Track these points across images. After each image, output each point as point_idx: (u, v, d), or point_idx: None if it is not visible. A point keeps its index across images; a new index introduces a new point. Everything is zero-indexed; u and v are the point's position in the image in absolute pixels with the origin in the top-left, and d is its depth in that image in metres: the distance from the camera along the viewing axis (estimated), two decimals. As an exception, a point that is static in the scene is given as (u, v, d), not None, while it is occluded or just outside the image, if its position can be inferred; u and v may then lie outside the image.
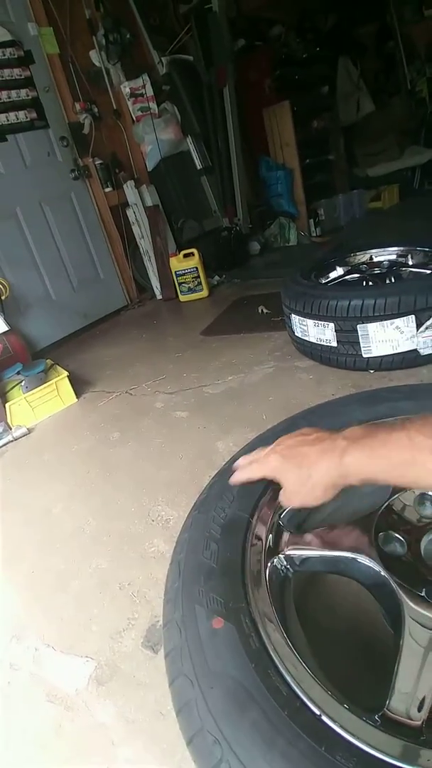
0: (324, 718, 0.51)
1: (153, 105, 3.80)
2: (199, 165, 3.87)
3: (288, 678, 0.54)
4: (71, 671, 0.99)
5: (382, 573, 0.66)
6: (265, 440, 0.98)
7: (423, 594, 0.63)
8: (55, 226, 3.35)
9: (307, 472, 0.69)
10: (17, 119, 3.18)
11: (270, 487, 0.84)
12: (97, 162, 3.57)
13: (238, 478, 0.82)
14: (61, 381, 2.26)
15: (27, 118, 3.22)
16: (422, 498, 0.78)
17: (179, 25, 4.18)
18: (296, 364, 2.04)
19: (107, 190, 3.62)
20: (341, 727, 0.50)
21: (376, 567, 0.67)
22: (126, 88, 3.79)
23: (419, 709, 0.54)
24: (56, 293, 3.35)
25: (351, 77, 5.72)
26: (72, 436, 2.00)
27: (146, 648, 0.99)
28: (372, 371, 1.83)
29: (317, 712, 0.51)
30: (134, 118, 3.83)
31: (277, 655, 0.57)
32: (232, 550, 0.71)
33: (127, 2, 3.85)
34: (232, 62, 3.89)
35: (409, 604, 0.61)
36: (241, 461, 0.85)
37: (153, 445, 1.74)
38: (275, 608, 0.65)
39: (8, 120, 3.13)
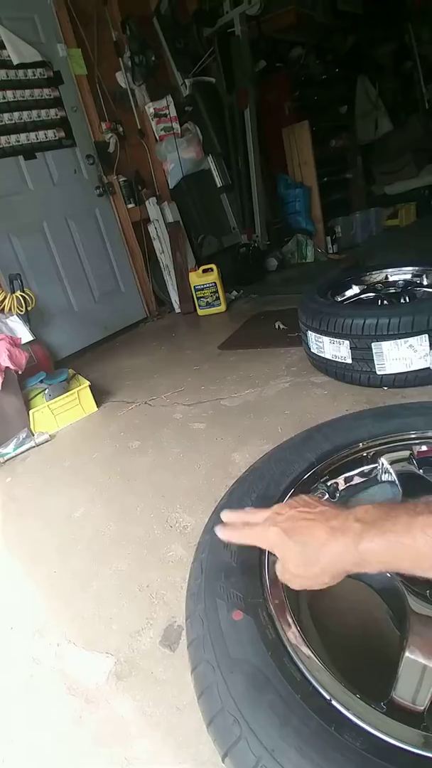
0: (334, 702, 0.56)
1: (176, 125, 3.93)
2: (219, 183, 3.98)
3: (301, 666, 0.59)
4: (91, 666, 1.04)
5: (389, 575, 0.71)
6: (282, 451, 1.04)
7: (427, 594, 0.67)
8: (79, 240, 3.47)
9: (315, 555, 0.61)
10: (46, 138, 3.31)
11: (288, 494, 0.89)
12: (121, 179, 3.69)
13: (228, 537, 0.72)
14: (82, 390, 2.34)
15: (55, 136, 3.36)
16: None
17: (203, 48, 4.32)
18: (312, 380, 2.09)
19: (130, 206, 3.73)
20: (350, 710, 0.55)
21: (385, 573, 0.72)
22: (150, 109, 3.92)
23: (422, 698, 0.59)
24: (78, 305, 3.46)
25: (369, 97, 5.83)
26: (92, 444, 2.07)
27: (164, 646, 1.04)
28: (386, 388, 1.88)
29: (328, 696, 0.57)
30: (157, 138, 3.96)
31: (291, 645, 0.62)
32: (250, 551, 0.76)
33: (153, 26, 3.99)
34: (253, 84, 4.01)
35: (414, 603, 0.66)
36: (226, 514, 0.75)
37: (171, 454, 1.80)
38: (290, 605, 0.71)
39: (38, 138, 3.27)
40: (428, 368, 1.82)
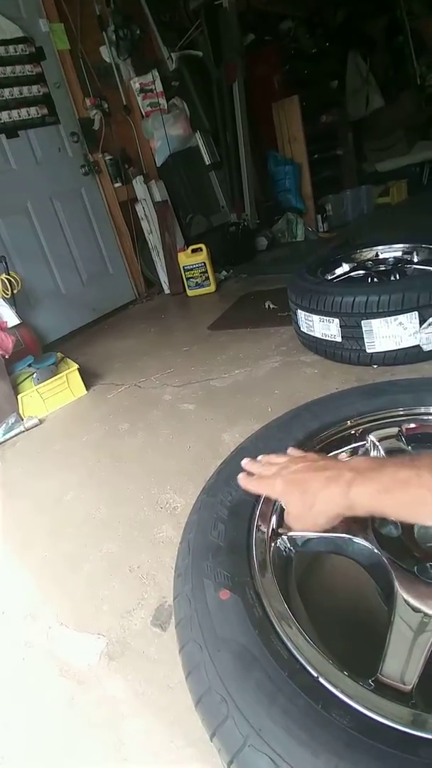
0: (321, 680, 0.56)
1: (162, 101, 3.83)
2: (207, 160, 3.90)
3: (288, 644, 0.59)
4: (84, 648, 1.04)
5: (377, 552, 0.70)
6: (270, 430, 1.03)
7: (414, 571, 0.67)
8: (65, 220, 3.40)
9: (311, 500, 0.70)
10: (29, 115, 3.22)
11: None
12: (107, 157, 3.61)
13: (246, 485, 0.82)
14: (71, 373, 2.32)
15: (38, 114, 3.26)
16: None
17: (189, 21, 4.20)
18: (301, 359, 2.08)
19: (116, 185, 3.66)
20: (337, 688, 0.55)
21: (372, 547, 0.72)
22: (136, 84, 3.82)
23: (410, 676, 0.59)
24: (66, 287, 3.41)
25: (360, 72, 5.72)
26: (82, 427, 2.05)
27: (155, 626, 1.04)
28: (375, 366, 1.87)
29: (315, 674, 0.56)
30: (144, 114, 3.87)
31: (278, 623, 0.62)
32: (238, 530, 0.76)
33: (137, -1, 3.87)
34: (241, 58, 3.91)
35: (401, 580, 0.66)
36: (246, 464, 0.86)
37: (161, 436, 1.79)
38: (278, 583, 0.70)
39: (20, 116, 3.18)
40: (418, 346, 1.81)
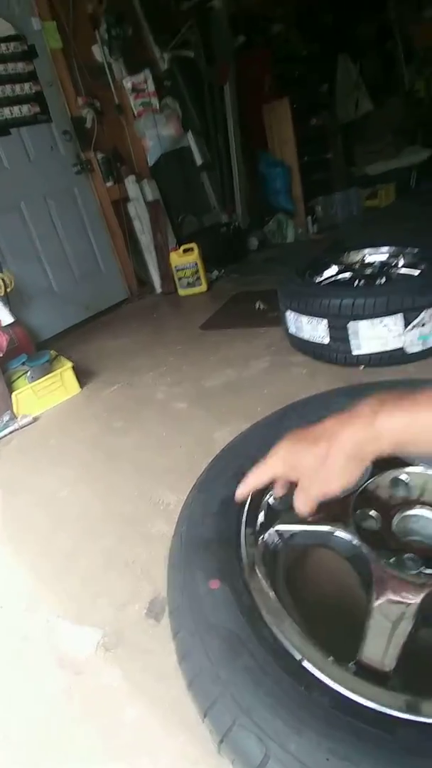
0: (305, 663, 0.61)
1: (154, 100, 3.85)
2: (199, 161, 3.94)
3: (274, 629, 0.64)
4: (80, 640, 1.08)
5: (358, 543, 0.76)
6: (258, 429, 1.08)
7: (392, 561, 0.73)
8: (57, 219, 3.42)
9: (326, 448, 0.59)
10: (21, 113, 3.23)
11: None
12: (99, 156, 3.63)
13: (244, 488, 0.73)
14: (65, 371, 2.35)
15: (30, 112, 3.27)
16: (395, 480, 0.89)
17: (181, 21, 4.22)
18: (291, 359, 2.13)
19: (109, 184, 3.68)
20: (319, 671, 0.60)
21: (353, 539, 0.77)
22: (128, 83, 3.83)
23: (388, 659, 0.64)
24: (59, 286, 3.43)
25: (350, 76, 5.77)
26: (76, 425, 2.09)
27: (149, 617, 1.08)
28: (362, 367, 1.93)
29: (299, 657, 0.61)
30: (136, 113, 3.88)
31: (266, 610, 0.67)
32: (228, 524, 0.81)
33: (130, -3, 3.88)
34: (232, 59, 3.94)
35: (381, 572, 0.71)
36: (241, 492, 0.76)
37: (154, 434, 1.83)
38: (265, 574, 0.75)
39: (12, 114, 3.19)
40: (402, 348, 1.88)
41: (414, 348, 1.87)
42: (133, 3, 3.90)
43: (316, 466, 0.61)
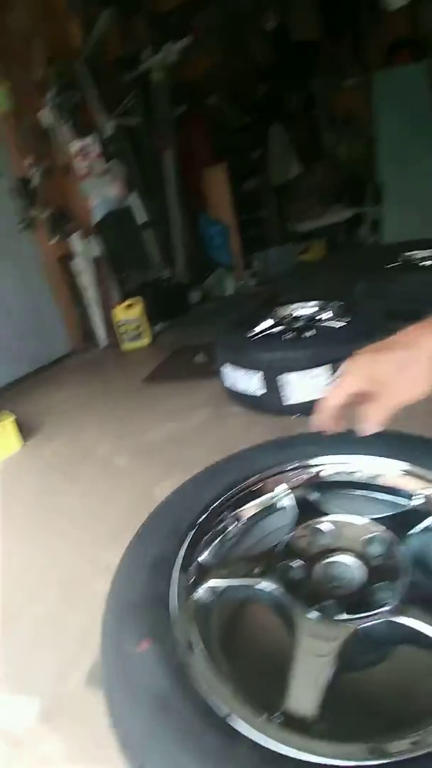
0: (230, 718, 0.64)
1: (99, 163, 4.02)
2: (142, 219, 4.11)
3: (203, 686, 0.67)
4: (19, 711, 1.05)
5: (283, 595, 0.81)
6: (189, 484, 1.13)
7: (315, 610, 0.78)
8: (1, 275, 3.44)
9: (407, 354, 0.57)
10: (-34, 173, 3.30)
11: (197, 526, 0.98)
12: (45, 214, 3.72)
13: (320, 416, 0.70)
14: (6, 426, 2.31)
15: (-24, 171, 3.35)
16: (315, 530, 0.96)
17: (126, 91, 4.49)
18: (229, 410, 2.21)
19: (54, 241, 3.76)
20: (245, 724, 0.63)
21: (277, 590, 0.82)
22: (74, 146, 3.99)
23: (312, 707, 0.68)
24: (1, 340, 3.41)
25: (281, 142, 6.27)
26: (16, 484, 2.05)
27: (89, 684, 1.07)
28: (295, 416, 2.03)
29: (225, 712, 0.65)
30: (81, 174, 4.03)
31: (194, 668, 0.70)
32: (159, 583, 0.84)
33: (77, 66, 4.11)
34: (172, 128, 4.22)
35: (302, 620, 0.77)
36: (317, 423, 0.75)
37: (95, 490, 1.83)
38: (196, 632, 0.79)
39: (-43, 173, 3.25)
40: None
41: (343, 397, 2.01)
42: (81, 71, 4.13)
43: (397, 372, 0.59)
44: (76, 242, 3.75)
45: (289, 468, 1.11)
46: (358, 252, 5.50)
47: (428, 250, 3.49)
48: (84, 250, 3.75)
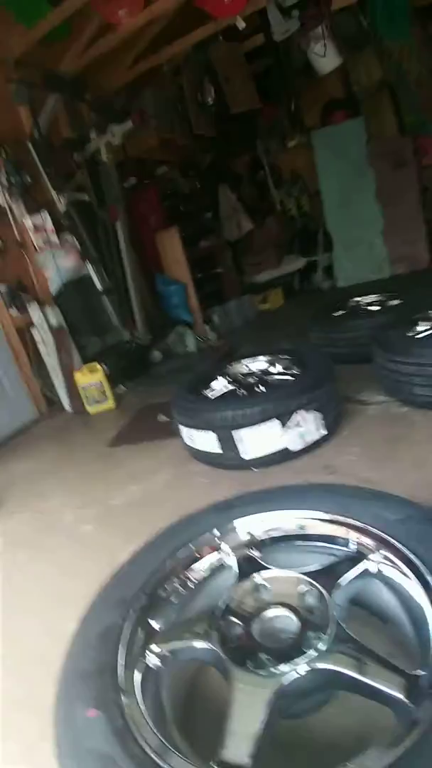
0: (166, 768, 0.70)
1: (53, 236, 4.22)
2: (99, 287, 4.29)
3: (142, 744, 0.74)
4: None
5: (220, 653, 0.88)
6: (144, 550, 1.20)
7: (248, 665, 0.85)
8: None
9: None
10: None
11: (145, 593, 1.05)
12: (2, 288, 3.85)
13: None
14: (-31, 506, 2.34)
15: None
16: (257, 587, 1.04)
17: (75, 168, 4.77)
18: (191, 469, 2.29)
19: (13, 312, 3.88)
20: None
21: (216, 650, 0.89)
22: (28, 222, 4.19)
23: (245, 755, 0.75)
24: (-37, 415, 3.45)
25: (230, 202, 6.66)
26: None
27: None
28: (255, 469, 2.12)
29: (164, 766, 0.71)
30: (37, 248, 4.22)
31: (137, 730, 0.76)
32: (106, 652, 0.90)
33: (27, 148, 4.37)
34: (120, 201, 4.49)
35: (236, 674, 0.84)
36: None
37: (60, 562, 1.87)
38: (144, 695, 0.85)
39: None
40: (286, 448, 2.11)
41: (296, 446, 2.11)
42: (31, 153, 4.39)
43: None
44: (35, 313, 3.87)
45: (229, 529, 1.20)
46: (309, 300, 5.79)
47: (373, 295, 3.73)
48: (43, 320, 3.87)
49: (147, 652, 0.93)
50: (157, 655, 0.94)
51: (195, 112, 5.41)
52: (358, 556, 1.07)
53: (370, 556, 1.04)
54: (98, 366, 3.66)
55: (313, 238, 6.74)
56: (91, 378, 3.62)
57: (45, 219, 4.22)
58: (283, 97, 6.87)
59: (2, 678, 1.37)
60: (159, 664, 0.94)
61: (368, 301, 3.69)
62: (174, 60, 5.10)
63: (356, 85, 6.06)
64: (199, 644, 0.91)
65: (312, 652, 0.84)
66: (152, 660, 0.93)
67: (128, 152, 5.39)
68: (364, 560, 1.04)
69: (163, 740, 0.77)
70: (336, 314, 3.46)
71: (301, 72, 5.66)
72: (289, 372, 2.52)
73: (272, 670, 0.83)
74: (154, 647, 0.93)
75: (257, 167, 7.62)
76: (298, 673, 0.82)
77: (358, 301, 3.72)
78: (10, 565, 1.96)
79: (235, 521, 1.21)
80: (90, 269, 4.28)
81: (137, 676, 0.88)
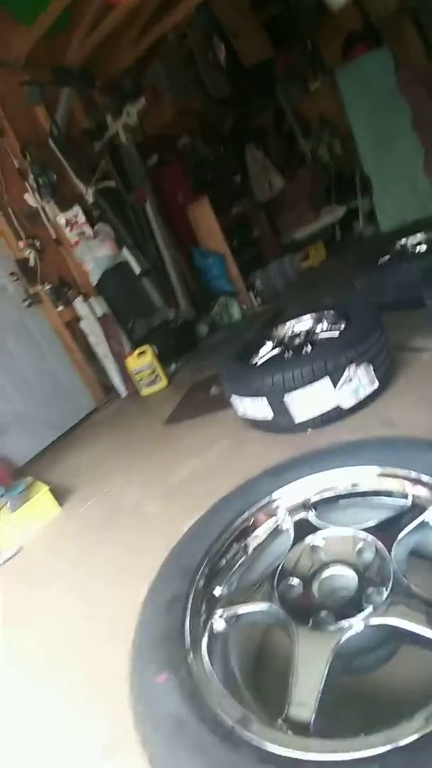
0: (236, 727, 0.73)
1: (87, 228, 4.28)
2: (137, 270, 4.32)
3: (212, 704, 0.76)
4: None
5: (282, 614, 0.89)
6: (203, 519, 1.23)
7: (309, 623, 0.86)
8: (16, 350, 3.68)
9: None
10: (-31, 267, 3.59)
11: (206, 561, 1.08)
12: (47, 287, 3.97)
13: None
14: (43, 495, 2.47)
15: (-23, 265, 3.64)
16: (315, 547, 1.03)
17: (98, 157, 4.79)
18: (247, 437, 2.30)
19: (59, 309, 4.00)
20: (248, 732, 0.72)
21: (279, 610, 0.90)
22: (62, 219, 4.28)
23: (309, 711, 0.76)
24: (27, 412, 3.61)
25: (258, 161, 6.45)
26: (59, 547, 2.19)
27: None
28: (309, 431, 2.10)
29: (230, 724, 0.73)
30: (73, 243, 4.30)
31: (206, 691, 0.79)
32: (173, 620, 0.94)
33: (49, 148, 4.42)
34: (146, 181, 4.46)
35: (298, 632, 0.84)
36: None
37: (127, 539, 1.95)
38: (211, 658, 0.88)
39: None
40: (338, 406, 2.07)
41: (350, 402, 2.06)
42: (54, 151, 4.44)
43: None
44: (80, 306, 3.98)
45: (283, 492, 1.19)
46: (352, 250, 5.54)
47: (419, 235, 3.52)
48: (88, 312, 3.97)
49: (213, 617, 0.96)
50: (223, 619, 0.96)
51: (208, 73, 5.24)
52: (416, 509, 1.04)
53: (430, 507, 1.01)
54: (147, 348, 3.72)
55: (350, 183, 6.40)
56: (142, 361, 3.69)
57: (77, 213, 4.29)
58: (298, 40, 6.50)
59: (85, 645, 1.46)
60: (225, 628, 0.96)
61: (415, 242, 3.49)
62: (178, 27, 4.93)
63: (374, 14, 5.61)
64: (262, 606, 0.93)
65: (371, 608, 0.83)
66: (218, 624, 0.96)
67: (147, 131, 5.33)
68: (424, 512, 1.00)
69: (230, 700, 0.79)
70: (382, 260, 3.30)
71: (311, 11, 5.32)
72: (335, 328, 2.44)
73: (332, 627, 0.84)
74: (219, 612, 0.96)
75: (281, 119, 7.31)
76: (358, 629, 0.82)
77: (405, 244, 3.53)
78: (87, 546, 2.07)
79: (288, 485, 1.21)
80: (126, 254, 4.32)
81: (206, 640, 0.91)
